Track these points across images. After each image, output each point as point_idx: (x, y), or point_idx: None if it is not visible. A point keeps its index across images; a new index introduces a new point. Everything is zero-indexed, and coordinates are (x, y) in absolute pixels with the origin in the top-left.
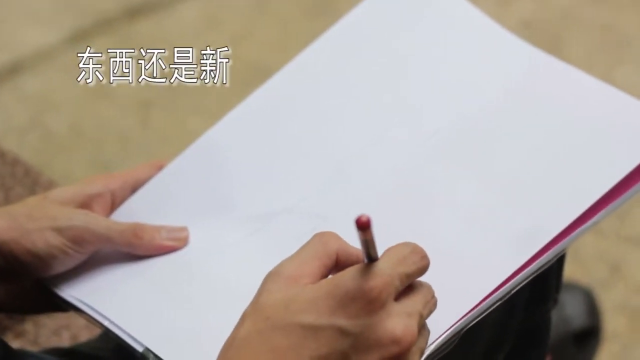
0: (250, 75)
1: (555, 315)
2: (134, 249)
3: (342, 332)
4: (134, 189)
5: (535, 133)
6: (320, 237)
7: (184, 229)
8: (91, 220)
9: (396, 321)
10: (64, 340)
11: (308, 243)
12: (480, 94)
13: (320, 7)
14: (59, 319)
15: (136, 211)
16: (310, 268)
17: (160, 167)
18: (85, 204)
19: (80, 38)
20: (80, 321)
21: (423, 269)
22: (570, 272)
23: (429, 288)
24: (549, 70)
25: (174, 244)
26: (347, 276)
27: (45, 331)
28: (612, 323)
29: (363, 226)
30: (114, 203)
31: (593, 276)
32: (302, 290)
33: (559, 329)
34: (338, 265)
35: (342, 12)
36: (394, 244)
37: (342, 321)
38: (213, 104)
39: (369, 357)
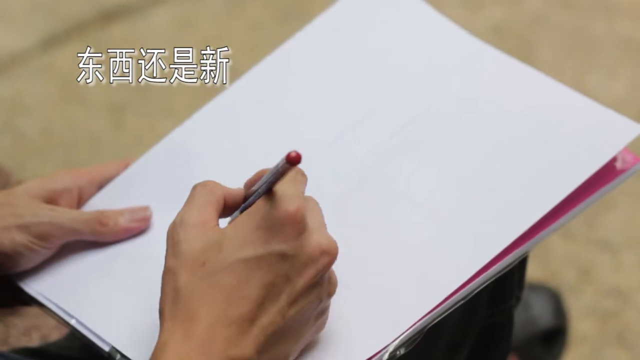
0: None
1: (522, 316)
2: (100, 236)
3: (281, 256)
4: (101, 185)
5: (499, 134)
6: (204, 186)
7: (145, 208)
8: (56, 215)
9: (318, 235)
10: (34, 341)
11: (195, 193)
12: (444, 95)
13: (292, 12)
14: (29, 319)
15: (103, 207)
16: (209, 214)
17: (127, 165)
18: (51, 199)
19: (52, 42)
20: (51, 321)
21: (306, 180)
22: (539, 275)
23: (312, 198)
24: (514, 72)
25: (138, 224)
26: (266, 207)
27: (15, 331)
28: (581, 326)
29: (293, 161)
30: (81, 199)
31: (562, 280)
32: (224, 232)
33: (526, 329)
34: (225, 207)
35: (313, 17)
36: (357, 236)
37: (279, 246)
38: (182, 107)
39: (306, 272)
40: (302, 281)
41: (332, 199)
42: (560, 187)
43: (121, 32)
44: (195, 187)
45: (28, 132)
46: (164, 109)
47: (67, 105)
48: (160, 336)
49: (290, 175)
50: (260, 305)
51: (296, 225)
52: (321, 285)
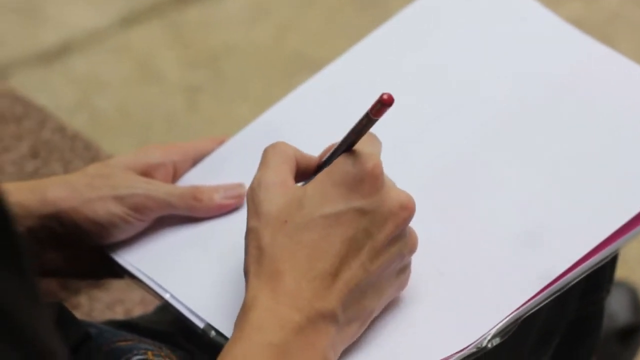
0: (295, 66)
1: None
2: (194, 211)
3: (361, 211)
4: (195, 161)
5: (596, 126)
6: (274, 147)
7: (240, 185)
8: (151, 187)
9: (397, 190)
10: (118, 314)
11: (267, 155)
12: (539, 84)
13: (368, 1)
14: (114, 292)
15: (197, 183)
16: (285, 173)
17: (221, 142)
18: (146, 173)
19: (129, 21)
20: (135, 295)
21: (381, 145)
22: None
23: None
24: (611, 63)
25: (232, 201)
26: (346, 164)
27: (100, 305)
28: None
29: (386, 102)
30: (176, 174)
31: (638, 278)
32: (305, 190)
33: (604, 326)
34: (297, 168)
35: (390, 7)
36: (451, 223)
37: (358, 202)
38: (259, 91)
39: (386, 227)
40: (382, 235)
41: (425, 184)
42: None
43: (197, 15)
44: (266, 150)
45: (104, 110)
46: (239, 92)
47: (142, 85)
48: (247, 293)
49: (366, 137)
50: (343, 259)
51: (375, 181)
52: (402, 240)
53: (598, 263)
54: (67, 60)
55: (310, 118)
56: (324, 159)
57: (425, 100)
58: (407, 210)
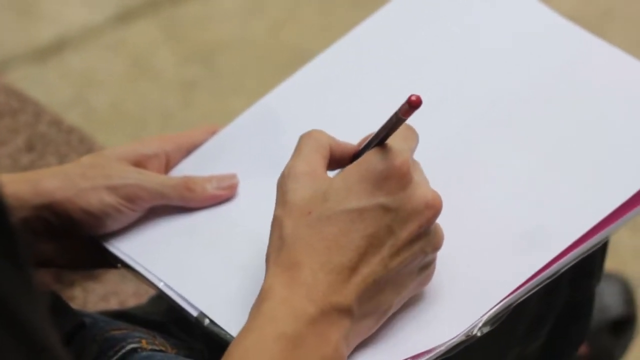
0: (291, 59)
1: None
2: (187, 202)
3: (384, 208)
4: (189, 152)
5: (587, 115)
6: (309, 135)
7: (233, 176)
8: (144, 178)
9: (424, 189)
10: (112, 306)
11: (301, 143)
12: (531, 77)
13: None
14: (108, 284)
15: (190, 174)
16: (316, 162)
17: (214, 132)
18: (139, 163)
19: (124, 18)
20: (129, 287)
21: (417, 138)
22: (607, 267)
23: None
24: (603, 56)
25: (225, 192)
26: (373, 160)
27: (94, 297)
28: None
29: (414, 104)
30: (169, 165)
31: (630, 271)
32: (331, 182)
33: (596, 318)
34: (332, 156)
35: (384, 1)
36: (445, 208)
37: (382, 199)
38: (254, 86)
39: (409, 225)
40: (405, 233)
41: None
42: None
43: (192, 11)
44: (300, 138)
45: (99, 106)
46: (234, 87)
47: (137, 81)
48: (265, 281)
49: (402, 131)
50: (362, 255)
51: (401, 178)
52: (425, 238)
53: (588, 250)
54: (62, 57)
55: (302, 107)
56: (360, 152)
57: (415, 90)
58: (432, 209)
